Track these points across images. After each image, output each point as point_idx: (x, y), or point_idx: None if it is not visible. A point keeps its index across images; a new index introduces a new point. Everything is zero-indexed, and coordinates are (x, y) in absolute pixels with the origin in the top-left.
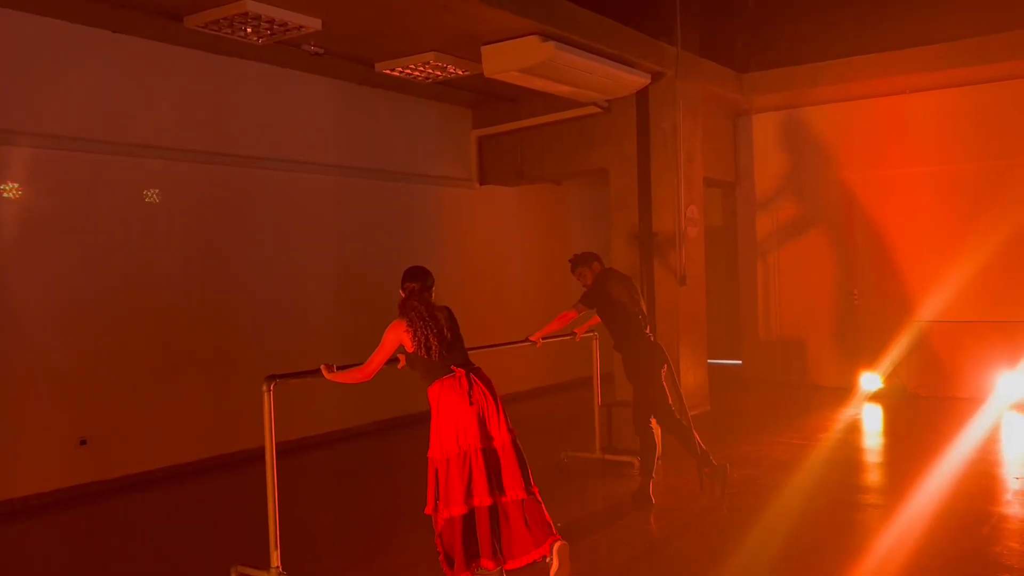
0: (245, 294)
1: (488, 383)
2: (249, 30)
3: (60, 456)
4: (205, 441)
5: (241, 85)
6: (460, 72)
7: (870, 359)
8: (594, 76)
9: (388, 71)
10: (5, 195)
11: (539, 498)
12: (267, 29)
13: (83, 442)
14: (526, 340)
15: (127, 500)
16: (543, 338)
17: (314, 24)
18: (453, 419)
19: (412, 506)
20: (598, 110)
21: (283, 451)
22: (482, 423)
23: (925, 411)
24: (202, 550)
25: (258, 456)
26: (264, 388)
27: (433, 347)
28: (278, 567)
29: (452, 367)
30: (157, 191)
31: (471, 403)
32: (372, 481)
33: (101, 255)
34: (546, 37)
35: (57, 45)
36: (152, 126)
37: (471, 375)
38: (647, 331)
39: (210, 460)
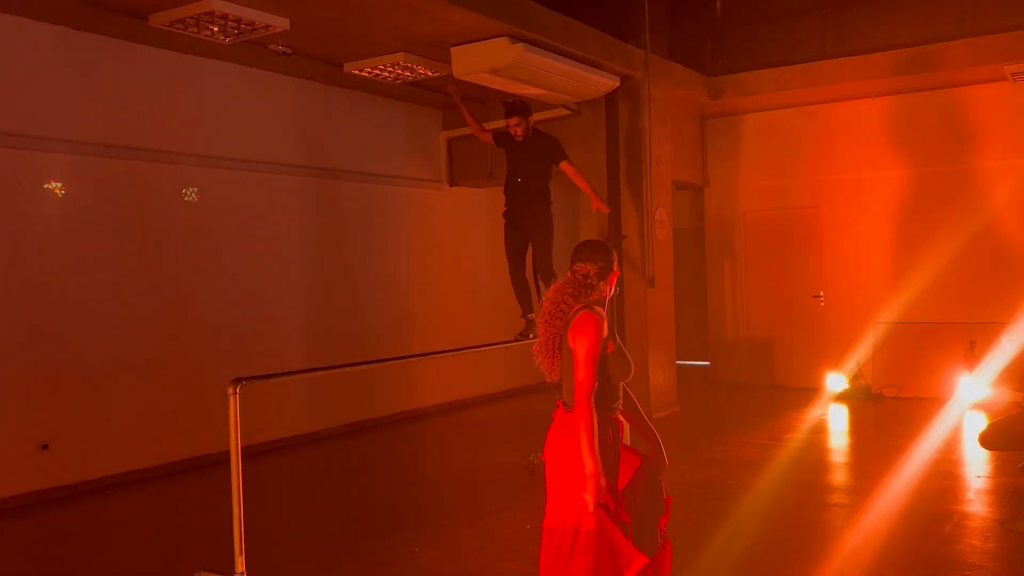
0: (211, 295)
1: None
2: (215, 29)
3: (21, 460)
4: (170, 445)
5: (207, 85)
6: (429, 73)
7: (835, 360)
8: (563, 78)
9: (357, 71)
10: None
11: None
12: (234, 28)
13: (45, 446)
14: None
15: (90, 505)
16: None
17: (282, 23)
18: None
19: (379, 510)
20: (567, 112)
21: (249, 455)
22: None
23: (889, 411)
24: (166, 555)
25: (224, 460)
26: (230, 391)
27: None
28: (243, 572)
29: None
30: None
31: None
32: (339, 485)
33: (63, 256)
34: (515, 39)
35: (14, 42)
36: (116, 125)
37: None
38: None
39: (175, 464)
